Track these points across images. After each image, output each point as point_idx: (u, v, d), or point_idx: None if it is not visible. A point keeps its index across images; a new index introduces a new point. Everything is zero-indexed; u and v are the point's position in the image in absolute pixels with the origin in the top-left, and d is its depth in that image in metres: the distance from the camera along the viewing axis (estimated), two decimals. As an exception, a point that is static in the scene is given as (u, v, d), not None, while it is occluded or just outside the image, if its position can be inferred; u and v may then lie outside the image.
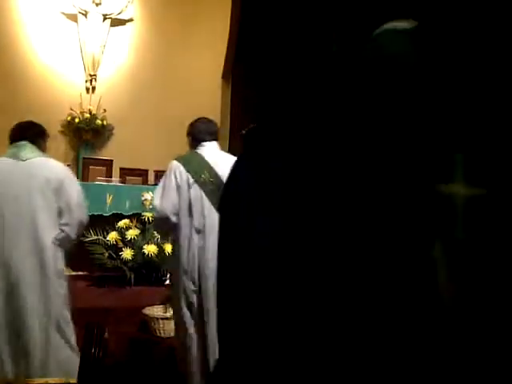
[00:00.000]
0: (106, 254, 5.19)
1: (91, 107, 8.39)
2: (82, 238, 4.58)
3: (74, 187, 2.65)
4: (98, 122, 8.35)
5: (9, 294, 2.44)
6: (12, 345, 2.45)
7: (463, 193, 0.61)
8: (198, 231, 2.66)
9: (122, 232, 5.24)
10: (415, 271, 0.69)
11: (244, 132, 7.48)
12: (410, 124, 0.64)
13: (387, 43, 0.83)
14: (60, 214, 2.57)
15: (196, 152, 2.90)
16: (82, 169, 7.22)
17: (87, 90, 8.54)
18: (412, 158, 0.63)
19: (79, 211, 2.65)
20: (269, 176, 0.77)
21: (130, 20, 8.78)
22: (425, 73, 0.68)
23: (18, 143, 2.64)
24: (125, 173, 7.03)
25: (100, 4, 8.42)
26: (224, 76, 9.23)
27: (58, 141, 8.46)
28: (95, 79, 8.56)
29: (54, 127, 8.33)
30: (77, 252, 4.73)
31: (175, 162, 2.85)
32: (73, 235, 2.64)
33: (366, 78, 0.72)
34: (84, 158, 7.38)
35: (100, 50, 8.52)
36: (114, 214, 5.69)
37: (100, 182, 6.36)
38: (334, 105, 0.72)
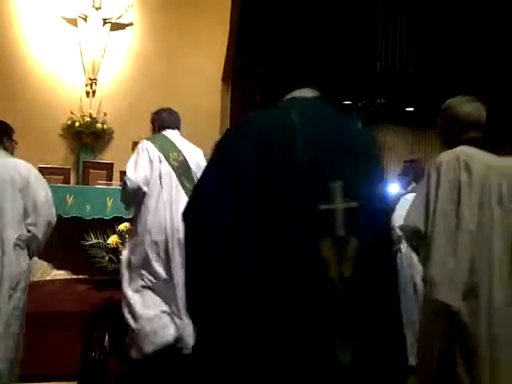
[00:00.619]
0: (107, 258, 5.19)
1: (91, 111, 8.41)
2: (82, 242, 4.59)
3: (40, 187, 2.59)
4: (99, 125, 8.37)
5: None
6: None
7: (342, 206, 1.20)
8: (169, 203, 2.99)
9: (122, 235, 5.24)
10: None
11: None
12: None
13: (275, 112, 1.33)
14: (26, 214, 2.51)
15: (163, 135, 3.37)
16: (83, 172, 7.22)
17: (87, 93, 8.56)
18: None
19: (46, 211, 2.60)
20: None
21: (130, 24, 8.81)
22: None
23: None
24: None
25: (100, 8, 8.45)
26: (224, 78, 9.25)
27: (58, 144, 8.49)
28: (95, 83, 8.58)
29: (54, 131, 8.37)
30: (77, 255, 4.75)
31: (147, 141, 3.26)
32: (40, 235, 2.59)
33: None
34: (84, 162, 7.39)
35: (100, 54, 8.54)
36: (114, 217, 5.68)
37: (100, 185, 6.36)
38: None
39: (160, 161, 3.14)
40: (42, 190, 2.59)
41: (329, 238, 1.17)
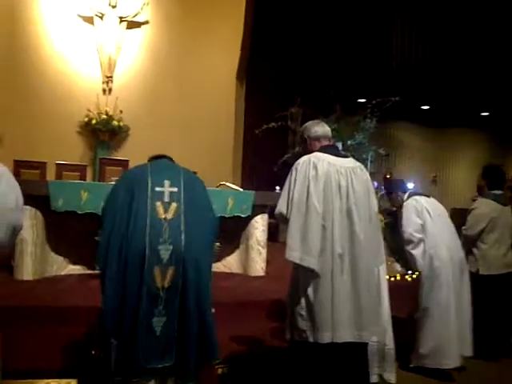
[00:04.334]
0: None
1: (108, 108, 8.50)
2: (96, 237, 4.65)
3: (10, 191, 2.47)
4: (115, 122, 8.47)
5: None
6: None
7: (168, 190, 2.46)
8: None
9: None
10: None
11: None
12: None
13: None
14: None
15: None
16: (99, 169, 7.31)
17: (104, 91, 8.67)
18: None
19: (13, 215, 2.48)
20: None
21: (146, 22, 8.88)
22: None
23: None
24: (140, 173, 7.10)
25: (116, 7, 8.54)
26: (238, 76, 9.28)
27: (75, 141, 8.61)
28: (111, 81, 8.68)
29: (71, 128, 8.49)
30: (92, 251, 4.81)
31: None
32: (1, 235, 2.42)
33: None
34: (101, 159, 7.48)
35: (116, 52, 8.64)
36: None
37: (114, 182, 6.43)
38: None
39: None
40: (11, 194, 2.45)
41: (160, 202, 2.41)
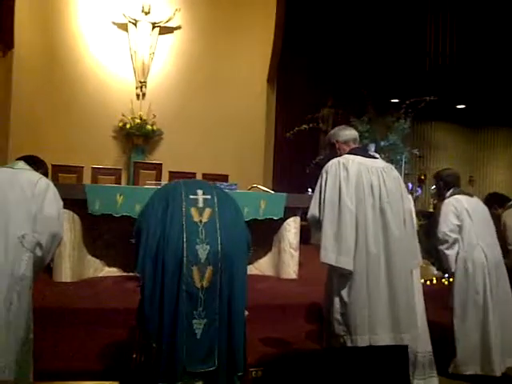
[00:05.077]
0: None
1: (141, 113, 8.67)
2: (131, 240, 4.73)
3: (53, 200, 2.72)
4: (148, 127, 8.62)
5: None
6: None
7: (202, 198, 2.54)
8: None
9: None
10: None
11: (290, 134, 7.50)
12: None
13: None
14: (35, 221, 2.63)
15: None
16: (133, 173, 7.43)
17: (137, 96, 8.84)
18: None
19: (53, 225, 2.71)
20: None
21: (178, 27, 9.01)
22: None
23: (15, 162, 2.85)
24: (174, 176, 7.15)
25: (149, 13, 8.70)
26: (269, 79, 9.29)
27: (110, 146, 8.81)
28: (145, 86, 8.85)
29: (107, 133, 8.69)
30: (127, 253, 4.90)
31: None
32: (44, 244, 2.67)
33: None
34: (135, 162, 7.61)
35: (149, 58, 8.80)
36: (162, 216, 5.82)
37: (149, 185, 6.54)
38: None
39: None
40: (54, 206, 2.73)
41: (194, 208, 2.47)
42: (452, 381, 3.56)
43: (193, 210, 2.46)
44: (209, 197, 2.53)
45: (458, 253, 3.61)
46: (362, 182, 2.67)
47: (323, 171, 2.78)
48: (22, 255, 2.59)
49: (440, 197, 3.95)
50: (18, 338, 2.54)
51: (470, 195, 3.83)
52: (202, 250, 2.38)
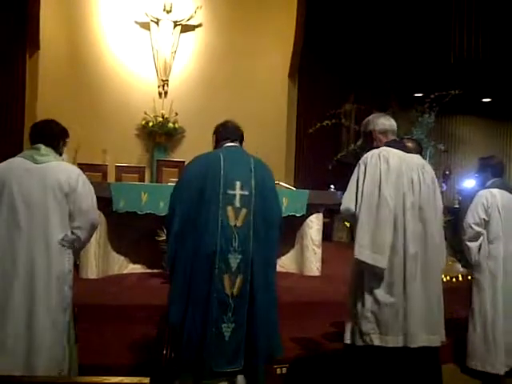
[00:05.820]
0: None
1: (163, 111, 8.74)
2: (156, 237, 4.79)
3: (86, 191, 2.69)
4: (170, 125, 8.69)
5: (19, 286, 2.50)
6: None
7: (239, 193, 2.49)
8: None
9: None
10: None
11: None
12: None
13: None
14: (72, 217, 2.63)
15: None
16: (156, 170, 7.51)
17: (160, 94, 8.92)
18: None
19: (91, 215, 2.71)
20: None
21: (199, 25, 9.05)
22: None
23: (35, 145, 2.70)
24: (196, 174, 7.23)
25: (170, 11, 8.75)
26: (291, 74, 9.26)
27: (133, 144, 8.91)
28: (167, 84, 8.92)
29: (130, 131, 8.80)
30: (152, 250, 4.98)
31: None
32: (83, 237, 2.70)
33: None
34: (158, 160, 7.68)
35: (171, 56, 8.86)
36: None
37: (172, 183, 6.59)
38: None
39: None
40: (88, 196, 2.70)
41: (231, 207, 2.43)
42: (463, 375, 3.52)
43: (229, 210, 2.42)
44: (246, 193, 2.46)
45: (480, 246, 3.57)
46: (402, 177, 2.54)
47: (361, 162, 2.62)
48: (64, 255, 2.63)
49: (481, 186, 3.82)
50: (65, 334, 2.61)
51: (510, 190, 3.69)
52: (234, 259, 2.40)
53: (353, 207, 2.56)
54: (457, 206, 7.42)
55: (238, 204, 2.45)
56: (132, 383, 1.34)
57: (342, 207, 2.64)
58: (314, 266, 5.48)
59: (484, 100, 11.03)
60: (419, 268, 2.52)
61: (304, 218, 5.44)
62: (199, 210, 2.41)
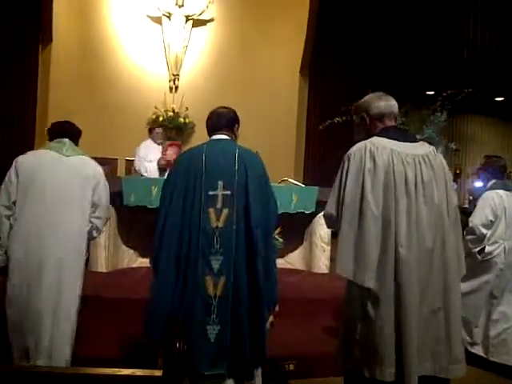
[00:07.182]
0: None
1: (174, 106, 8.74)
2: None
3: (106, 185, 2.97)
4: (181, 119, 8.70)
5: (34, 275, 2.67)
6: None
7: (221, 193, 2.47)
8: None
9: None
10: None
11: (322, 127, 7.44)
12: None
13: None
14: (94, 208, 2.87)
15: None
16: (166, 165, 7.51)
17: (170, 89, 8.92)
18: None
19: (108, 209, 3.06)
20: None
21: (211, 20, 9.03)
22: None
23: (60, 139, 2.91)
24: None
25: (182, 6, 8.74)
26: (302, 70, 9.22)
27: (143, 138, 8.89)
28: (178, 79, 8.91)
29: (140, 125, 8.80)
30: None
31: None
32: (100, 227, 2.94)
33: None
34: (168, 155, 7.68)
35: (183, 51, 8.85)
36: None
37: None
38: None
39: None
40: (108, 190, 2.98)
41: (212, 208, 2.39)
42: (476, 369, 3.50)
43: (211, 212, 2.38)
44: (228, 193, 2.40)
45: (483, 247, 3.56)
46: (393, 175, 2.10)
47: (345, 157, 2.22)
48: (84, 243, 2.86)
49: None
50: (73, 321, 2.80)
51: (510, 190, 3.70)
52: (216, 261, 2.37)
53: (335, 213, 2.20)
54: (466, 206, 7.37)
55: (219, 205, 2.41)
56: (144, 375, 1.35)
57: (324, 212, 2.31)
58: (322, 264, 5.47)
59: (497, 99, 10.93)
60: (421, 287, 2.09)
61: (313, 215, 5.43)
62: (182, 212, 2.41)
